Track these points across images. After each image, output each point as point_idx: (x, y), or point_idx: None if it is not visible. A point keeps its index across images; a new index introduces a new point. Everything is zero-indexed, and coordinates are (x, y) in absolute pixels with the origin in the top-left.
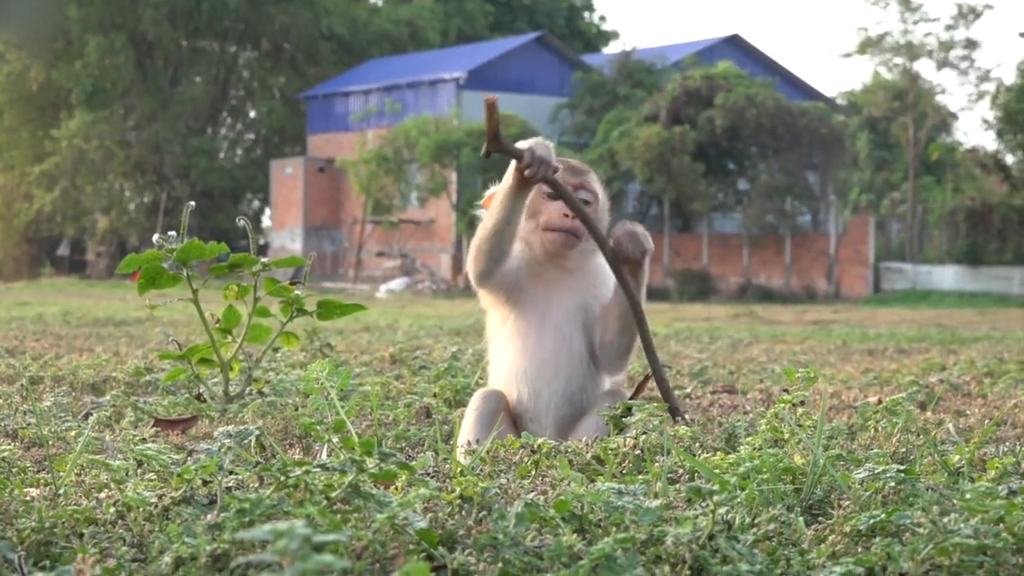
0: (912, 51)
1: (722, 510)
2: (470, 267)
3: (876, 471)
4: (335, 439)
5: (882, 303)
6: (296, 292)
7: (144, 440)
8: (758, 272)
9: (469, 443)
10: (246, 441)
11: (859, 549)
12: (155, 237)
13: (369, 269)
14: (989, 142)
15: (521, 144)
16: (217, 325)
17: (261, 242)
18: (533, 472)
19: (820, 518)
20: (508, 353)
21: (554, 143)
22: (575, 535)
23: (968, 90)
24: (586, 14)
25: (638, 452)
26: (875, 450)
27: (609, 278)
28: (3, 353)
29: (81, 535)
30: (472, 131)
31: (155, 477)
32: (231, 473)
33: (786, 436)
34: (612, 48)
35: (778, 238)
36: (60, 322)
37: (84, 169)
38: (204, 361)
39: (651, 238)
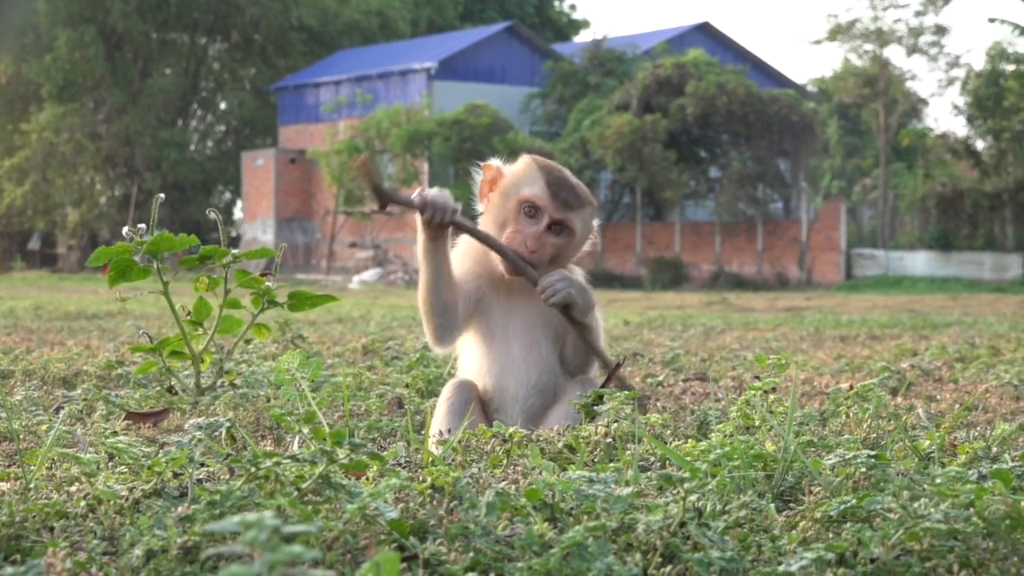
0: (882, 37)
1: (693, 497)
2: (425, 330)
3: (847, 457)
4: (306, 430)
5: (854, 289)
6: (267, 284)
7: (115, 433)
8: (730, 260)
9: (441, 433)
10: (217, 433)
11: (830, 535)
12: (125, 230)
13: (342, 260)
14: (959, 128)
15: (415, 195)
16: (188, 317)
17: (233, 234)
18: (505, 461)
19: (791, 504)
20: (474, 352)
21: (526, 133)
22: (546, 524)
23: (938, 76)
24: (556, 3)
25: (609, 440)
26: (846, 436)
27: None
28: None
29: (52, 529)
30: (443, 121)
31: (126, 470)
32: (202, 465)
33: (757, 423)
34: (583, 37)
35: (750, 225)
36: (31, 316)
37: (54, 163)
38: (175, 354)
39: (592, 293)
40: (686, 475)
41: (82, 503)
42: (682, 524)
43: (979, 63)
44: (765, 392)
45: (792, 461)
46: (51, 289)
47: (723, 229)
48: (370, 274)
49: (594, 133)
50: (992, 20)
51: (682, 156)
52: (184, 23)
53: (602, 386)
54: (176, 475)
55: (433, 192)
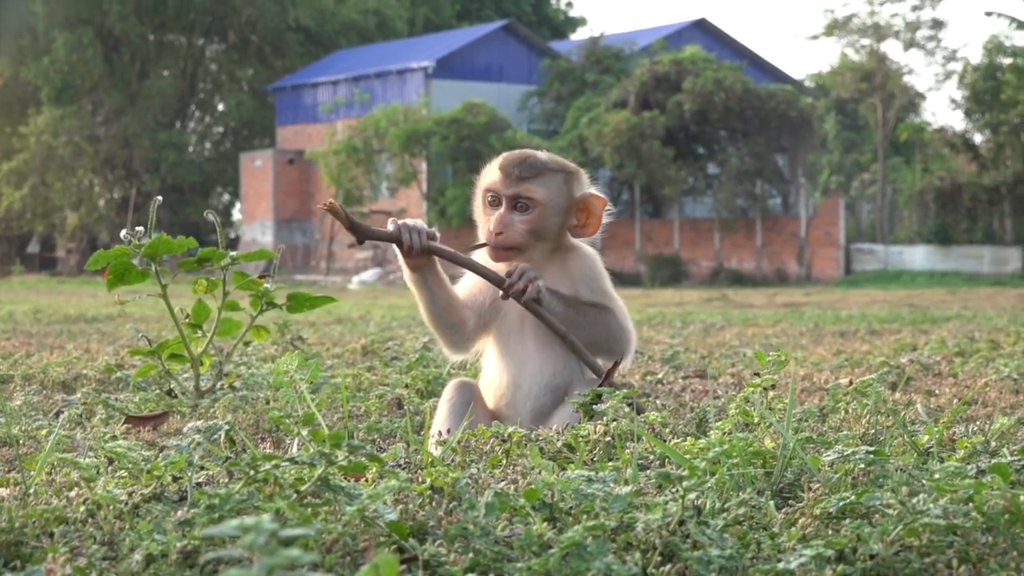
0: (879, 32)
1: (692, 495)
2: (440, 343)
3: (845, 453)
4: (305, 432)
5: (853, 284)
6: (266, 285)
7: (115, 437)
8: (729, 256)
9: (441, 433)
10: (215, 436)
11: (829, 531)
12: (123, 233)
13: (341, 261)
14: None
15: (390, 225)
16: (187, 320)
17: (232, 235)
18: (504, 461)
19: (790, 501)
20: (494, 351)
21: (524, 131)
22: (545, 524)
23: (935, 70)
24: (553, 1)
25: (608, 439)
26: (845, 432)
27: (589, 272)
28: None
29: (51, 534)
30: (441, 120)
31: (126, 474)
32: (201, 468)
33: (756, 420)
34: (580, 34)
35: (749, 222)
36: (31, 320)
37: (53, 166)
38: (174, 357)
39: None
40: (685, 473)
41: (82, 508)
42: (681, 522)
43: (976, 57)
44: (765, 389)
45: (791, 458)
46: (50, 293)
47: (722, 225)
48: (369, 274)
49: (592, 131)
50: (989, 14)
51: (680, 153)
52: (181, 24)
53: (600, 385)
54: (175, 479)
55: (407, 223)
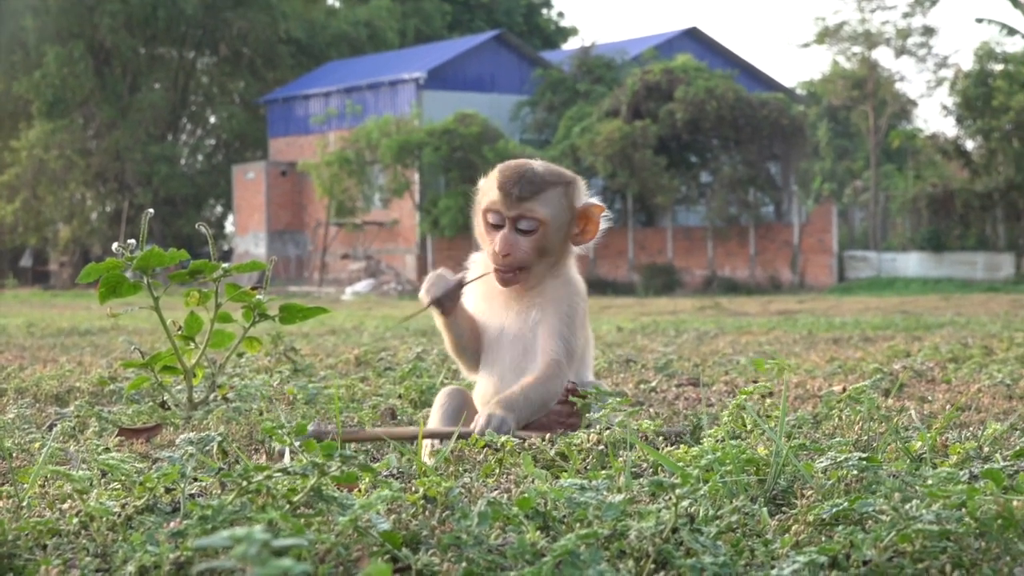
0: (870, 39)
1: (685, 503)
2: (462, 371)
3: (838, 459)
4: (297, 443)
5: (847, 292)
6: (258, 297)
7: (108, 450)
8: (723, 264)
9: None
10: (208, 448)
11: (822, 538)
12: (115, 246)
13: (334, 272)
14: (949, 128)
15: (422, 295)
16: (180, 332)
17: (225, 248)
18: (497, 470)
19: (784, 508)
20: (482, 361)
21: (516, 141)
22: (539, 532)
23: (927, 77)
24: (544, 11)
25: (601, 447)
26: (838, 439)
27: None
28: None
29: (44, 547)
30: (433, 131)
31: (119, 486)
32: (194, 480)
33: (749, 427)
34: (571, 44)
35: (742, 230)
36: (24, 333)
37: (45, 179)
38: (167, 369)
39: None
40: (678, 481)
41: (75, 520)
42: (674, 530)
43: (967, 63)
44: (762, 396)
45: (784, 465)
46: (43, 306)
47: (715, 234)
48: (363, 285)
49: (584, 140)
50: (980, 20)
51: (672, 162)
52: (172, 37)
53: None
54: (168, 490)
55: (434, 283)
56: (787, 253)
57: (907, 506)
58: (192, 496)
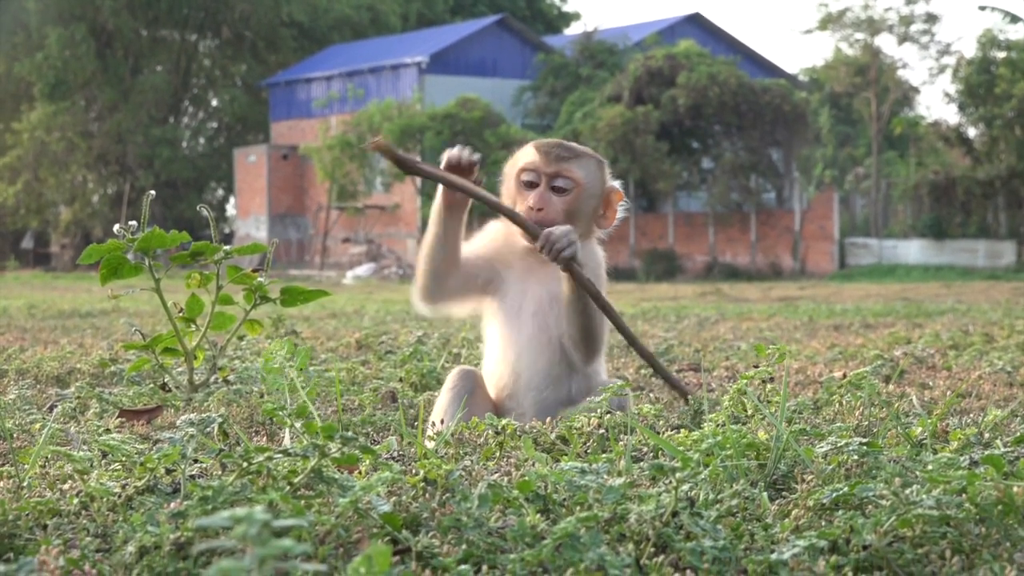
0: (873, 26)
1: (685, 487)
2: (414, 283)
3: (839, 444)
4: (298, 425)
5: (848, 278)
6: (259, 279)
7: (109, 431)
8: (724, 250)
9: (443, 421)
10: (209, 429)
11: (822, 523)
12: (116, 227)
13: (335, 256)
14: (951, 115)
15: (444, 160)
16: (181, 314)
17: (226, 231)
18: (498, 454)
19: (784, 493)
20: (494, 338)
21: (518, 126)
22: (539, 515)
23: (929, 64)
24: None
25: (602, 431)
26: (839, 424)
27: (593, 267)
28: None
29: (45, 527)
30: (435, 115)
31: (119, 467)
32: (195, 461)
33: (749, 412)
34: (573, 29)
35: (743, 216)
36: (25, 315)
37: (46, 161)
38: (168, 351)
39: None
40: (678, 465)
41: (75, 501)
42: (675, 514)
43: (970, 51)
44: (764, 381)
45: (784, 450)
46: (44, 288)
47: (716, 220)
48: (364, 269)
49: (586, 125)
50: (983, 8)
51: (674, 147)
52: (174, 20)
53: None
54: (169, 471)
55: (457, 152)
56: (788, 239)
57: (907, 491)
58: (192, 477)
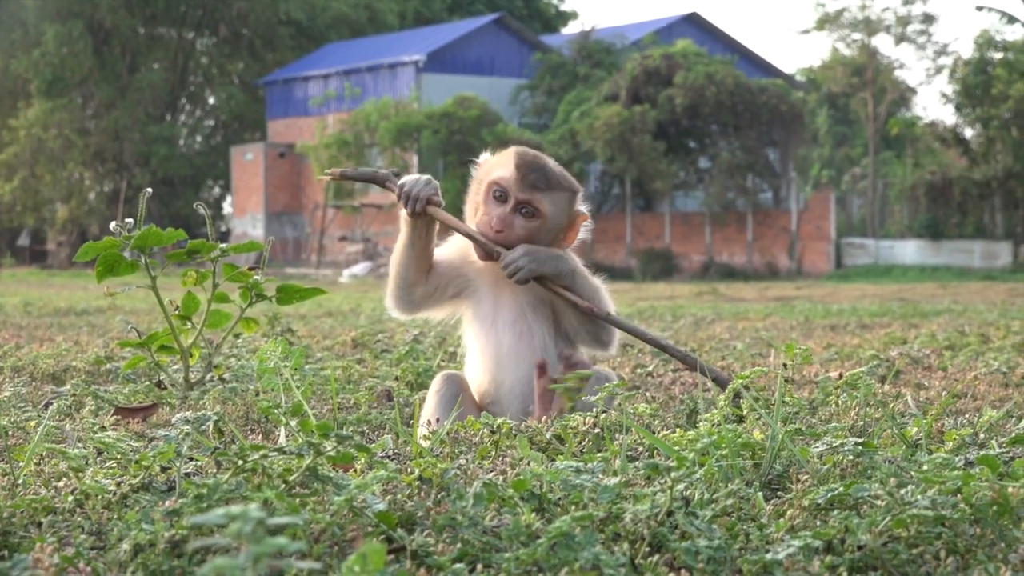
0: (870, 26)
1: (680, 486)
2: (387, 290)
3: (834, 445)
4: (293, 423)
5: (844, 279)
6: (255, 277)
7: (104, 428)
8: (720, 250)
9: (429, 423)
10: (204, 427)
11: (817, 523)
12: (112, 225)
13: (332, 254)
14: (948, 116)
15: (406, 178)
16: (177, 312)
17: (223, 229)
18: (493, 452)
19: (779, 492)
20: (472, 347)
21: (515, 125)
22: (534, 514)
23: (926, 64)
24: None
25: (598, 431)
26: (834, 424)
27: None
28: None
29: (40, 524)
30: (432, 114)
31: (115, 465)
32: (190, 459)
33: (745, 412)
34: (571, 28)
35: (740, 216)
36: (21, 312)
37: (43, 158)
38: (164, 348)
39: (554, 261)
40: (673, 464)
41: (70, 498)
42: (670, 513)
43: (967, 51)
44: (787, 381)
45: (780, 449)
46: (40, 285)
47: (713, 219)
48: (360, 267)
49: (583, 124)
50: (980, 8)
51: (671, 147)
52: (172, 17)
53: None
54: (164, 469)
55: (412, 183)
56: (785, 239)
57: (902, 491)
58: (188, 475)
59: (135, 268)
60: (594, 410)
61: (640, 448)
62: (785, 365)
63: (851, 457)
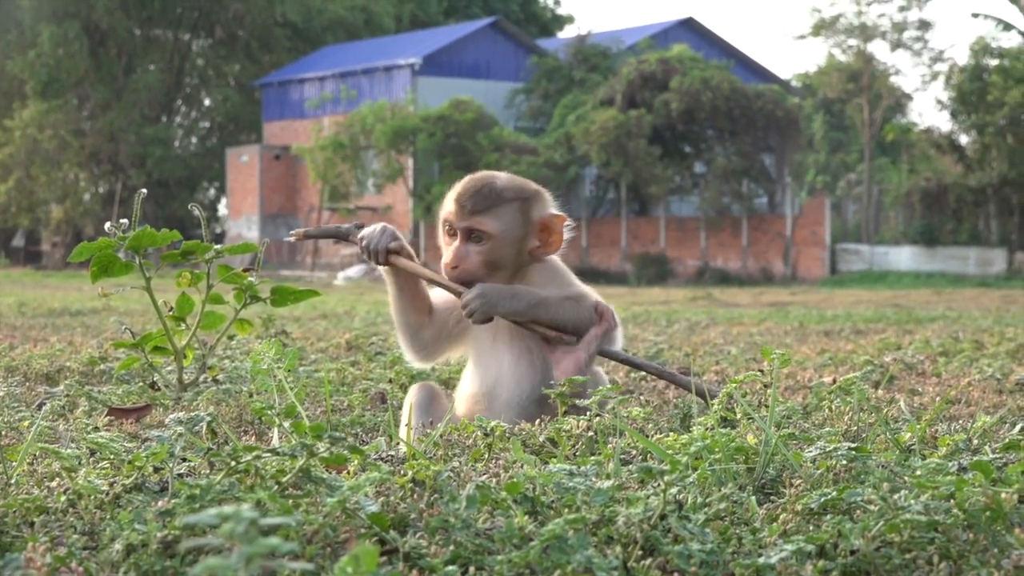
0: (866, 32)
1: (673, 490)
2: (400, 346)
3: (828, 449)
4: (286, 424)
5: (839, 284)
6: (250, 279)
7: (97, 429)
8: (715, 255)
9: (408, 429)
10: (197, 428)
11: (810, 527)
12: (107, 225)
13: (327, 256)
14: (943, 122)
15: (365, 231)
16: (171, 313)
17: (218, 231)
18: (486, 455)
19: (772, 497)
20: (472, 365)
21: (510, 128)
22: (527, 517)
23: (922, 71)
24: None
25: (591, 434)
26: (828, 429)
27: (550, 276)
28: None
29: (32, 524)
30: (428, 117)
31: (107, 465)
32: (183, 460)
33: (738, 416)
34: (567, 32)
35: (735, 221)
36: (15, 313)
37: (38, 159)
38: (158, 349)
39: (513, 300)
40: (666, 468)
41: (63, 498)
42: (663, 517)
43: (963, 58)
44: (765, 386)
45: (773, 454)
46: (35, 286)
47: (708, 224)
48: (355, 270)
49: (579, 128)
50: (976, 15)
51: (667, 151)
52: (168, 19)
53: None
54: (157, 470)
55: (371, 235)
56: (780, 245)
57: (895, 496)
58: (180, 476)
59: (130, 269)
60: (588, 414)
61: (634, 452)
62: (761, 371)
63: (844, 462)
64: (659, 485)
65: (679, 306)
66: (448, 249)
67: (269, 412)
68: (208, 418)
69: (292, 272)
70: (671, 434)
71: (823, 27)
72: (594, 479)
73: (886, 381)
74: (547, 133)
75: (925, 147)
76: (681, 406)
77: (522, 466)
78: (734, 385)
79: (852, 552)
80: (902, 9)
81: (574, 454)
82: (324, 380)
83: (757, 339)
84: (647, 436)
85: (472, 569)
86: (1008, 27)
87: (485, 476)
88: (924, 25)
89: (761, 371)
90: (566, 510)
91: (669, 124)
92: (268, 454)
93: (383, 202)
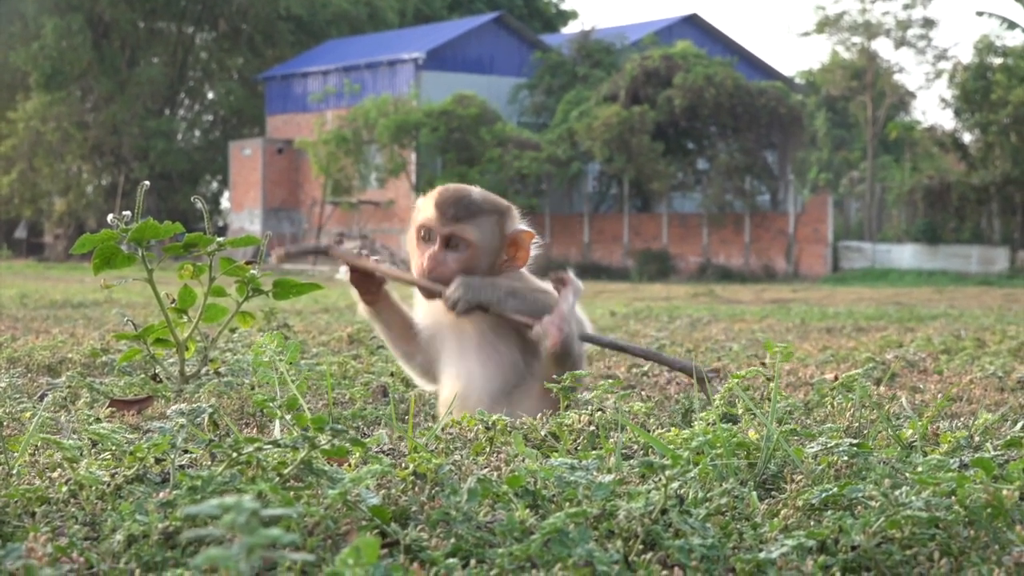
0: (870, 30)
1: (675, 485)
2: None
3: (829, 445)
4: (288, 416)
5: (841, 282)
6: (252, 272)
7: (99, 420)
8: (717, 252)
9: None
10: (199, 419)
11: (811, 522)
12: (110, 217)
13: None
14: (947, 121)
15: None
16: (173, 305)
17: (220, 224)
18: (488, 449)
19: (773, 492)
20: (444, 377)
21: (513, 124)
22: (528, 510)
23: (926, 69)
24: None
25: (592, 428)
26: (829, 425)
27: (525, 279)
28: None
29: (33, 514)
30: (431, 112)
31: (109, 456)
32: (184, 451)
33: (740, 411)
34: (571, 28)
35: (737, 217)
36: (17, 304)
37: (41, 151)
38: (160, 341)
39: (484, 290)
40: (668, 462)
41: (64, 489)
42: (664, 511)
43: (967, 56)
44: (768, 379)
45: (775, 449)
46: (37, 278)
47: (710, 221)
48: None
49: (582, 124)
50: (980, 13)
51: (670, 148)
52: (172, 12)
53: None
54: (158, 461)
55: (340, 252)
56: (782, 242)
57: (896, 493)
58: (182, 467)
59: (132, 261)
60: (589, 408)
61: (635, 446)
62: (763, 364)
63: (846, 458)
64: (660, 480)
65: (681, 302)
66: (423, 254)
67: (271, 404)
68: (210, 410)
69: (294, 266)
70: (672, 429)
71: (827, 24)
72: (595, 473)
73: (888, 378)
74: (550, 129)
75: (928, 145)
76: (683, 401)
77: (523, 460)
78: (736, 381)
79: (853, 548)
80: (906, 7)
81: (576, 448)
82: (326, 373)
83: (759, 336)
84: (648, 431)
85: (473, 562)
86: (1013, 25)
87: (486, 469)
88: (928, 23)
89: (763, 364)
90: (567, 504)
91: (672, 120)
92: (270, 446)
93: (385, 196)
